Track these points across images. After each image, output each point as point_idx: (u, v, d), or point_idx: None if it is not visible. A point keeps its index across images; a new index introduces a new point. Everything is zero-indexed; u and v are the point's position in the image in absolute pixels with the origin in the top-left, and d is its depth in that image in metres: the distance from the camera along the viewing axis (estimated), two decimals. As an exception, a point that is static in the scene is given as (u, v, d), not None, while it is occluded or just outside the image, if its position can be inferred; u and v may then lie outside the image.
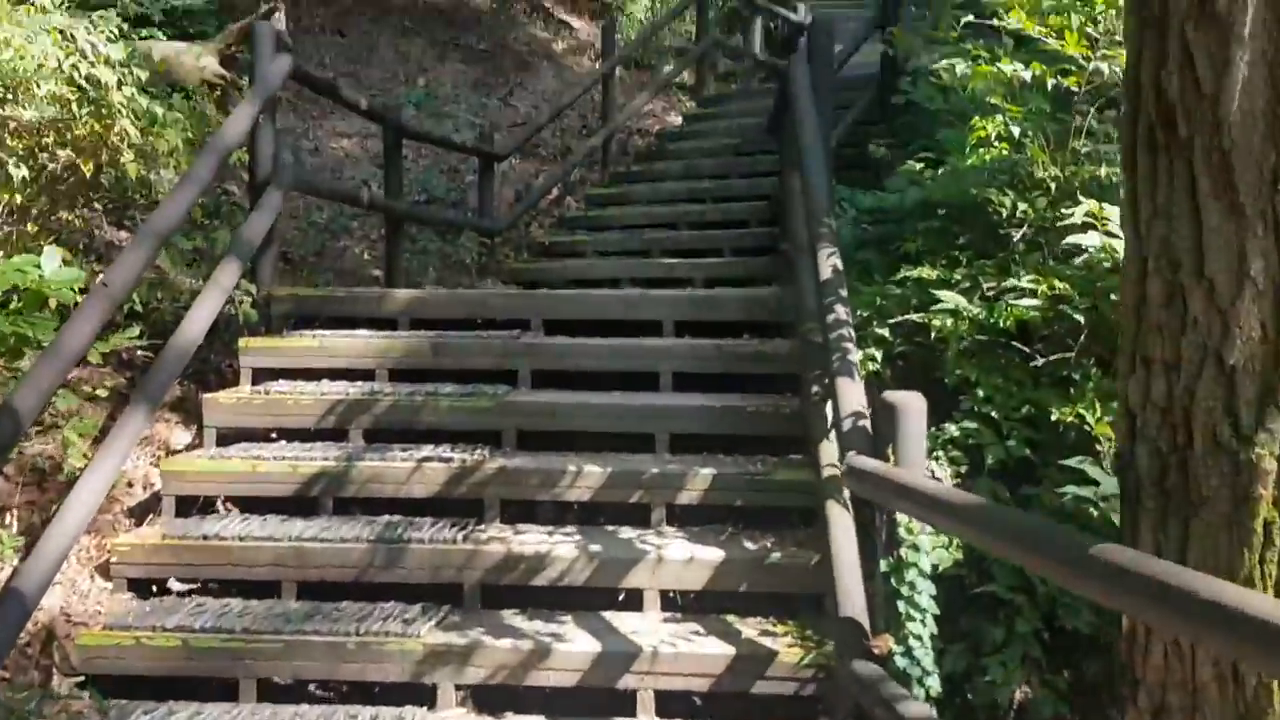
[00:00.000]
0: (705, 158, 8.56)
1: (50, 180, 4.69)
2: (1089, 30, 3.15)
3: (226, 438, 4.31)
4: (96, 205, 5.24)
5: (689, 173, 8.36)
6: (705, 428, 4.09)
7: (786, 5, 12.77)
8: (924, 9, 8.93)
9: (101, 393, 4.34)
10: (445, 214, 7.88)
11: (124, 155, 4.58)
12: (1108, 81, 3.21)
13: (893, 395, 2.70)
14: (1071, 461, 3.02)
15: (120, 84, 4.68)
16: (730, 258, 6.94)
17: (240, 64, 8.23)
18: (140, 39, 6.19)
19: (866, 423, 2.87)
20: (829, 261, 3.37)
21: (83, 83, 4.55)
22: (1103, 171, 3.23)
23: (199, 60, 6.91)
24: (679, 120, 10.56)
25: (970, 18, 3.55)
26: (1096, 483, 2.99)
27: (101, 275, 3.71)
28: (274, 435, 4.38)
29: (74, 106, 4.56)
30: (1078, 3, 3.15)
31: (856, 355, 3.04)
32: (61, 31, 4.63)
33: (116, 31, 5.13)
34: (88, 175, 4.60)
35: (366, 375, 4.60)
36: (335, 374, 4.63)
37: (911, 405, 2.65)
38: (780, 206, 6.57)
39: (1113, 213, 2.91)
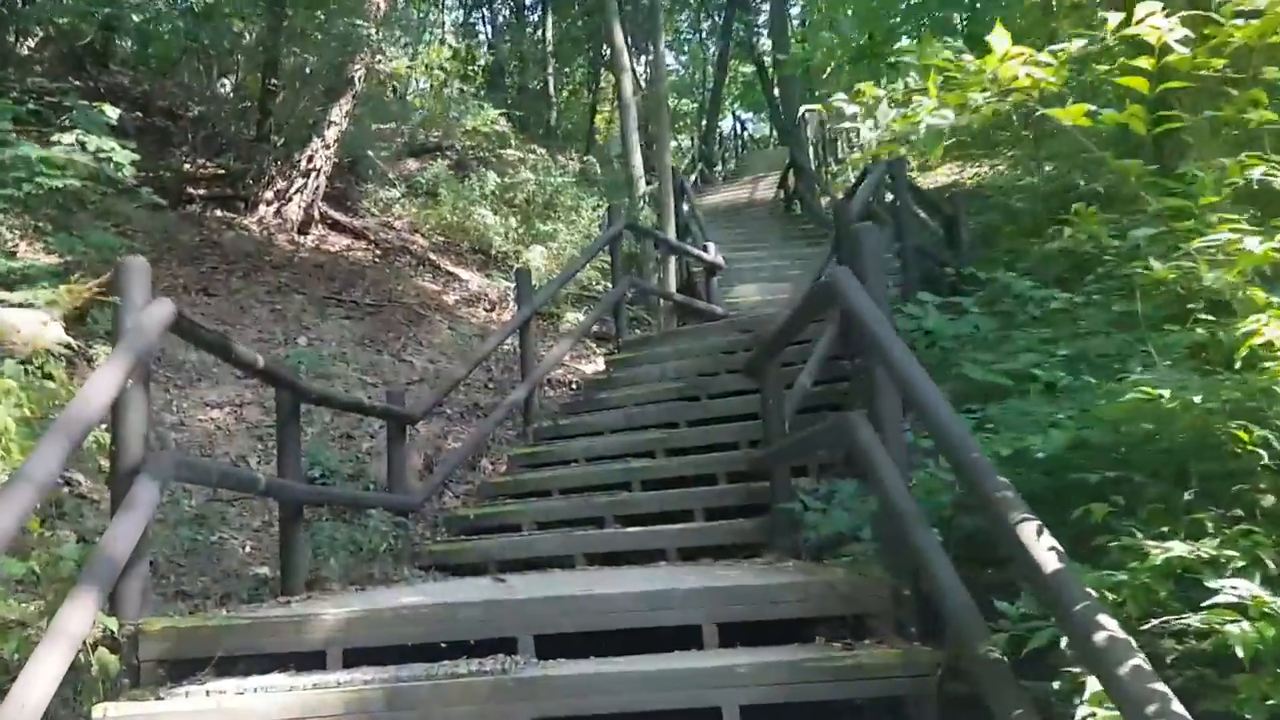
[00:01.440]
0: (644, 405, 7.55)
1: None
2: None
3: None
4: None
5: (630, 423, 7.32)
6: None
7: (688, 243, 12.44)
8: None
9: None
10: (355, 493, 6.51)
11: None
12: None
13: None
14: None
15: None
16: (704, 522, 5.82)
17: (90, 331, 6.97)
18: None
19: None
20: (1043, 544, 2.26)
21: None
22: None
23: (42, 326, 5.59)
24: (597, 368, 9.65)
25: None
26: None
27: None
28: None
29: None
30: None
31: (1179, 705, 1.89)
32: None
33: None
34: None
35: (290, 747, 3.13)
36: (242, 750, 3.14)
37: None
38: (768, 458, 5.54)
39: None
